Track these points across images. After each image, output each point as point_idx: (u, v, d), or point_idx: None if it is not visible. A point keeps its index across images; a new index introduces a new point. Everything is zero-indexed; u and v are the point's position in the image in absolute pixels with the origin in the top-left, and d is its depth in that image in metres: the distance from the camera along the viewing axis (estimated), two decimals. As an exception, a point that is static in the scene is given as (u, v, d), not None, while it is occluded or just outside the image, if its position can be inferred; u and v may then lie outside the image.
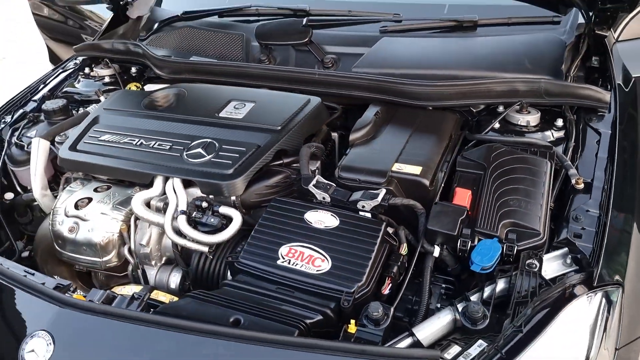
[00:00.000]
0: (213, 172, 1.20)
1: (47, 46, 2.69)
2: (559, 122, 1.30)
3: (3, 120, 1.63)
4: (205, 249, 1.11)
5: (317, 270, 1.01)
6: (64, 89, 1.76)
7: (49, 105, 1.59)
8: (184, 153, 1.25)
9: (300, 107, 1.35)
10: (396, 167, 1.18)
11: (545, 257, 1.01)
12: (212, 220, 1.12)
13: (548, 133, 1.30)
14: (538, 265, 0.98)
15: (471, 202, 1.11)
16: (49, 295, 0.95)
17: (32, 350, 0.89)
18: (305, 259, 1.03)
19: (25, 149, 1.49)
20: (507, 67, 1.42)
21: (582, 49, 1.46)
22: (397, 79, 1.41)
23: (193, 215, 1.13)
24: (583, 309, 0.93)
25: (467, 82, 1.37)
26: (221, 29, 1.81)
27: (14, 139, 1.53)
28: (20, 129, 1.56)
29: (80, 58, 1.89)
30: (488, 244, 1.02)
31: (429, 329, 0.95)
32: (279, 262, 1.03)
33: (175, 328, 0.89)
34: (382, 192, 1.11)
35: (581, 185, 1.13)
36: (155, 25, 1.91)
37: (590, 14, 1.39)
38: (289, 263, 1.02)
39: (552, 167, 1.18)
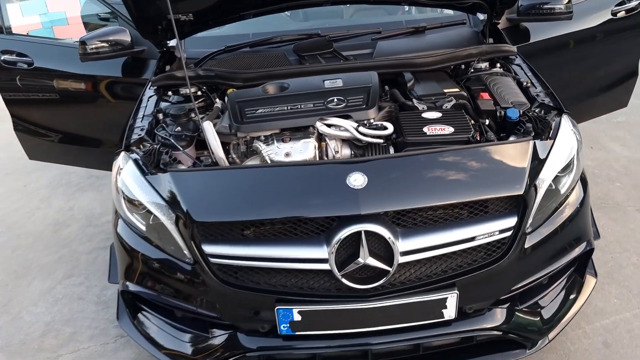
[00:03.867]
0: (355, 108, 2.00)
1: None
2: (498, 65, 2.43)
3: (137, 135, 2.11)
4: (381, 140, 1.90)
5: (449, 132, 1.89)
6: (161, 106, 2.31)
7: (176, 111, 2.17)
8: (327, 105, 2.02)
9: (369, 74, 2.22)
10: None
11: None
12: (379, 124, 1.93)
13: (495, 70, 2.42)
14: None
15: (490, 97, 2.14)
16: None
17: (355, 180, 1.61)
18: (438, 130, 1.91)
19: (183, 137, 2.05)
20: (458, 45, 2.52)
21: (486, 33, 2.65)
22: (406, 56, 2.39)
23: (361, 127, 1.92)
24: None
25: (444, 53, 2.41)
26: (262, 52, 2.59)
27: (162, 134, 2.07)
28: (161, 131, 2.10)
29: (153, 88, 2.44)
30: (512, 109, 2.05)
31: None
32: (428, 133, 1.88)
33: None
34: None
35: (529, 84, 2.25)
36: (198, 59, 2.59)
37: (494, 15, 2.59)
38: (433, 132, 1.89)
39: (514, 78, 2.28)
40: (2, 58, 3.05)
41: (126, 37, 2.73)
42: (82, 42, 2.66)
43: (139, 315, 2.03)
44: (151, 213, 1.79)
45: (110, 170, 3.20)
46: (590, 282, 2.04)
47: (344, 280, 1.62)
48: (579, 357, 2.03)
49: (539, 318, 1.89)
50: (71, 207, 3.54)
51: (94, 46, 2.67)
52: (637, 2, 3.18)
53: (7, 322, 2.50)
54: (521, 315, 1.84)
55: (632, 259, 2.56)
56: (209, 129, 2.00)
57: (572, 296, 1.98)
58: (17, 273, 2.88)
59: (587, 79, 3.24)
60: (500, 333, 1.80)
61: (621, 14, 3.14)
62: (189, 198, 1.71)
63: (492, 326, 1.78)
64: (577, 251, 1.89)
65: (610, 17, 3.12)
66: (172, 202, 1.72)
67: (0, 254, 3.09)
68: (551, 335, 1.88)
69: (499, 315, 1.81)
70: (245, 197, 1.72)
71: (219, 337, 1.84)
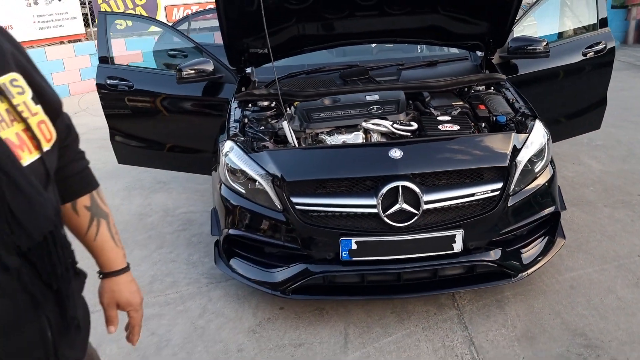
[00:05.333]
0: (389, 112, 2.85)
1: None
2: (492, 88, 3.28)
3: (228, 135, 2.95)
4: (409, 134, 2.74)
5: (456, 128, 2.73)
6: (245, 114, 3.16)
7: (258, 117, 3.03)
8: (369, 111, 2.87)
9: (398, 92, 3.07)
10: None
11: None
12: (407, 123, 2.77)
13: (490, 91, 3.27)
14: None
15: (485, 108, 2.98)
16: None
17: (395, 152, 2.44)
18: (448, 127, 2.74)
19: (266, 132, 2.90)
20: (462, 74, 3.39)
21: (483, 65, 3.53)
22: (424, 81, 3.26)
23: (395, 124, 2.76)
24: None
25: (452, 79, 3.27)
26: (315, 77, 3.47)
27: (251, 131, 2.91)
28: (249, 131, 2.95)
29: (237, 102, 3.29)
30: (501, 116, 2.89)
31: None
32: (441, 129, 2.72)
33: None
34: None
35: (514, 101, 3.09)
36: (267, 82, 3.47)
37: (488, 52, 3.48)
38: (445, 128, 2.73)
39: (503, 96, 3.13)
40: (107, 82, 3.94)
41: (210, 67, 3.62)
42: (179, 70, 3.55)
43: (231, 260, 2.83)
44: (249, 180, 2.62)
45: (192, 172, 4.10)
46: (559, 242, 2.83)
47: (387, 220, 2.42)
48: (552, 294, 2.79)
49: (520, 260, 2.67)
50: (149, 203, 4.36)
51: (186, 73, 3.56)
52: (604, 45, 4.06)
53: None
54: (508, 255, 2.62)
55: (596, 236, 3.34)
56: (287, 126, 2.85)
57: (545, 249, 2.77)
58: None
59: (564, 105, 4.09)
60: (495, 265, 2.58)
61: (590, 55, 4.01)
62: (281, 166, 2.54)
63: (489, 259, 2.56)
64: (546, 212, 2.69)
65: (582, 57, 3.99)
66: (269, 170, 2.55)
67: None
68: (529, 271, 2.66)
69: (493, 254, 2.59)
70: (320, 165, 2.56)
71: (294, 267, 2.62)
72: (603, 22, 4.10)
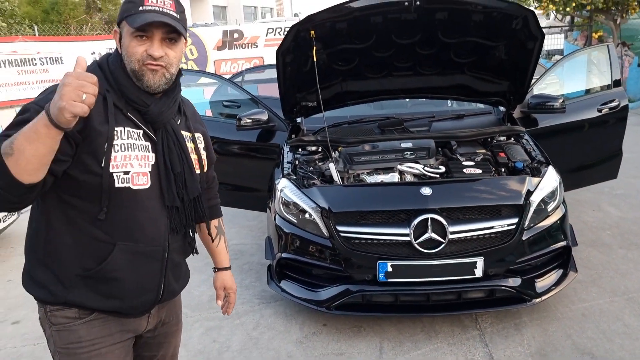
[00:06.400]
0: (421, 157, 3.33)
1: None
2: (512, 138, 3.74)
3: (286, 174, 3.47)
4: (438, 176, 3.20)
5: (478, 172, 3.18)
6: (296, 156, 3.68)
7: (308, 158, 3.55)
8: (404, 156, 3.36)
9: (429, 140, 3.55)
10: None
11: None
12: (437, 166, 3.24)
13: (510, 141, 3.72)
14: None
15: (505, 155, 3.44)
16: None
17: (426, 189, 2.91)
18: (472, 171, 3.19)
19: (315, 173, 3.40)
20: (486, 126, 3.87)
21: (504, 119, 4.00)
22: (452, 131, 3.74)
23: (426, 167, 3.24)
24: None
25: (477, 131, 3.74)
26: (357, 127, 4.01)
27: (302, 172, 3.42)
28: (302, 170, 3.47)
29: (288, 147, 3.83)
30: (519, 162, 3.33)
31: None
32: (466, 172, 3.18)
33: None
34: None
35: (531, 150, 3.53)
36: (314, 130, 4.01)
37: (510, 108, 3.96)
38: (469, 171, 3.18)
39: (522, 146, 3.58)
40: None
41: (265, 116, 4.19)
42: (239, 118, 4.14)
43: (282, 282, 3.28)
44: (301, 212, 3.11)
45: (243, 208, 4.59)
46: (571, 275, 3.19)
47: (418, 247, 2.86)
48: (565, 320, 3.13)
49: (534, 289, 3.04)
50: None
51: (244, 121, 4.14)
52: (617, 103, 4.48)
53: (183, 294, 3.76)
54: (525, 282, 3.01)
55: (609, 273, 3.67)
56: (333, 168, 3.36)
57: (558, 280, 3.14)
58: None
59: (583, 155, 4.49)
60: (513, 291, 2.96)
61: (605, 111, 4.44)
62: (329, 200, 3.03)
63: (507, 285, 2.95)
64: (558, 245, 3.08)
65: (597, 113, 4.42)
66: (318, 203, 3.04)
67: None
68: (543, 298, 3.02)
69: (511, 281, 2.98)
70: (362, 200, 3.04)
71: (337, 287, 3.05)
72: (617, 83, 4.54)
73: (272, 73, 7.02)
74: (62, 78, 1.15)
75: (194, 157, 1.60)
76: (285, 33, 3.38)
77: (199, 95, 6.45)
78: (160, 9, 1.39)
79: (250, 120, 4.16)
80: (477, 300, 3.00)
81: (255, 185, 4.35)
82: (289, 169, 3.48)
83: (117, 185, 1.40)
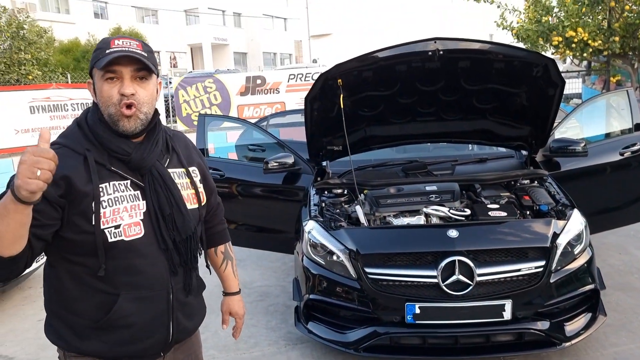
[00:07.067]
0: (446, 200, 3.39)
1: None
2: (535, 182, 3.79)
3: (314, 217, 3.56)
4: (463, 218, 3.25)
5: (503, 215, 3.23)
6: (322, 199, 3.77)
7: (335, 200, 3.63)
8: (429, 199, 3.42)
9: (453, 183, 3.62)
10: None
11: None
12: (461, 209, 3.30)
13: (533, 184, 3.77)
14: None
15: (529, 198, 3.48)
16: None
17: (452, 232, 2.95)
18: (497, 213, 3.24)
19: (341, 215, 3.48)
20: (509, 170, 3.93)
21: (527, 162, 4.06)
22: (475, 175, 3.81)
23: (452, 210, 3.29)
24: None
25: (500, 174, 3.80)
26: (381, 170, 4.09)
27: (329, 214, 3.50)
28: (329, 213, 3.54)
29: (314, 189, 3.92)
30: (543, 205, 3.37)
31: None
32: (491, 215, 3.22)
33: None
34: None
35: (555, 193, 3.57)
36: (339, 173, 4.11)
37: (532, 152, 4.02)
38: (494, 214, 3.23)
39: (546, 189, 3.62)
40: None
41: (291, 160, 4.31)
42: (266, 162, 4.26)
43: (309, 324, 3.31)
44: (328, 253, 3.17)
45: (269, 250, 4.66)
46: (601, 319, 3.17)
47: (445, 289, 2.89)
48: (597, 368, 3.10)
49: (564, 332, 3.03)
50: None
51: (271, 165, 4.26)
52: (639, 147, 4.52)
53: (211, 335, 3.80)
54: (554, 326, 2.99)
55: (639, 318, 3.63)
56: (360, 210, 3.43)
57: (587, 324, 3.12)
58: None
59: (607, 198, 4.50)
60: (542, 334, 2.95)
61: (627, 154, 4.47)
62: (356, 242, 3.09)
63: (536, 328, 2.94)
64: (586, 288, 3.07)
65: (620, 156, 4.46)
66: (346, 245, 3.10)
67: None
68: (573, 342, 3.00)
69: (540, 324, 2.97)
70: (389, 242, 3.10)
71: (365, 329, 3.07)
72: (638, 126, 4.59)
73: (294, 117, 7.25)
74: (21, 155, 1.18)
75: (190, 191, 1.62)
76: (314, 81, 3.53)
77: (222, 139, 6.64)
78: (127, 49, 1.42)
79: (277, 164, 4.28)
80: (505, 343, 2.99)
81: (279, 227, 4.43)
82: (315, 211, 3.56)
83: (110, 240, 1.45)
